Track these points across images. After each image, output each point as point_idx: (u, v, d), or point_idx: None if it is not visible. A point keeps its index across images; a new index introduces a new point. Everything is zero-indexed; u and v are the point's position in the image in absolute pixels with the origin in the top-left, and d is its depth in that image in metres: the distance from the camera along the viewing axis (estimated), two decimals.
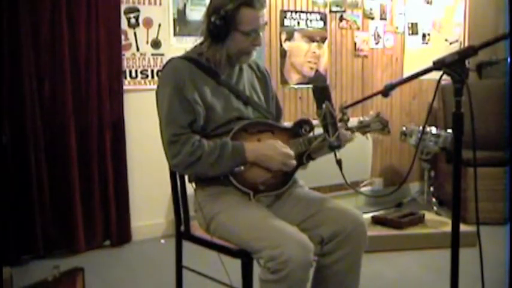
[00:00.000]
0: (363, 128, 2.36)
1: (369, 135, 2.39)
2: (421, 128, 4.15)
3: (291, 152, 2.14)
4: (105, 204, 3.94)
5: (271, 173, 2.16)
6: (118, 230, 4.02)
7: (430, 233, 3.91)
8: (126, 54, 3.98)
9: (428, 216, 4.22)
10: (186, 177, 2.28)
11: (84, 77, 3.77)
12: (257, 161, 2.12)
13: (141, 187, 4.12)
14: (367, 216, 4.04)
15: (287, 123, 2.35)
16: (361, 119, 2.38)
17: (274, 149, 2.12)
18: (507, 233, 3.96)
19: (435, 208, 4.67)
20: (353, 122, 2.30)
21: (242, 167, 2.11)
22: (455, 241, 1.70)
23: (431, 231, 3.93)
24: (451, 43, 5.64)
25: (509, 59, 5.05)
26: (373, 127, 2.37)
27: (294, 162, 2.15)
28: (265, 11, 2.18)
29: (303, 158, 2.23)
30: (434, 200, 4.77)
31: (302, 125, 2.26)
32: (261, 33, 2.18)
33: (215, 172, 2.10)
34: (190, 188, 2.26)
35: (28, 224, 3.63)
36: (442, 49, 5.41)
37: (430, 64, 1.70)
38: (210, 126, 2.17)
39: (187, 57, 2.23)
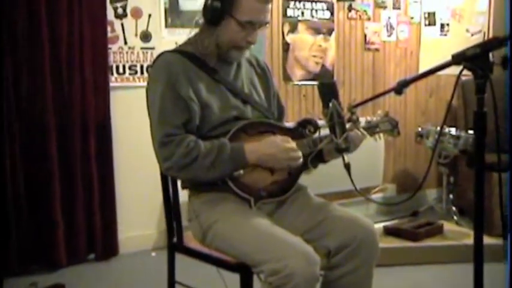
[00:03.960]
0: (371, 128, 2.38)
1: (381, 135, 2.41)
2: (438, 128, 4.16)
3: (294, 145, 2.15)
4: (89, 213, 3.94)
5: (274, 177, 2.18)
6: (103, 242, 4.02)
7: (450, 246, 3.91)
8: (113, 47, 3.98)
9: (448, 226, 4.22)
10: (179, 183, 2.29)
11: (66, 73, 3.77)
12: (259, 162, 2.13)
13: (129, 194, 4.12)
14: (379, 226, 4.04)
15: (290, 124, 2.36)
16: (369, 119, 2.40)
17: (277, 146, 2.12)
18: None
19: (455, 218, 4.66)
20: (362, 122, 2.32)
21: (241, 171, 2.12)
22: (478, 255, 1.69)
23: (451, 243, 3.93)
24: (472, 34, 5.64)
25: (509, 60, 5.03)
26: (382, 128, 2.40)
27: (300, 155, 2.15)
28: (270, 7, 2.18)
29: (308, 161, 2.24)
30: (454, 208, 4.76)
31: (306, 125, 2.27)
32: (257, 31, 2.19)
33: (212, 176, 2.10)
34: (184, 194, 2.27)
35: (0, 236, 3.60)
36: (462, 41, 5.39)
37: (449, 58, 1.71)
38: (206, 127, 2.18)
39: (180, 51, 2.24)
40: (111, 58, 3.98)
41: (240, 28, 2.16)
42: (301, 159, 2.16)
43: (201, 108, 2.16)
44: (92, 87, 3.87)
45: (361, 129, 2.26)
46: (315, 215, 2.20)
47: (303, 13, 4.70)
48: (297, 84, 4.73)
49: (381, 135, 2.41)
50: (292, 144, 2.15)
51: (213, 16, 2.16)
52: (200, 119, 2.16)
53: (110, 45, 3.96)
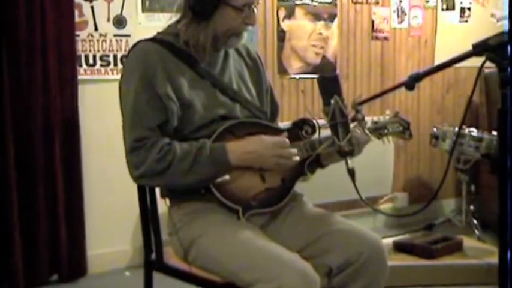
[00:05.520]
0: (378, 130, 2.39)
1: (386, 139, 2.42)
2: (457, 129, 4.18)
3: (285, 140, 2.17)
4: (52, 227, 3.91)
5: (265, 185, 2.19)
6: (69, 261, 4.00)
7: (470, 265, 3.91)
8: (81, 34, 3.97)
9: (468, 242, 4.22)
10: (158, 191, 2.30)
11: (25, 63, 3.75)
12: (244, 162, 2.15)
13: (100, 204, 4.11)
14: (388, 241, 4.04)
15: (285, 124, 2.38)
16: (376, 119, 2.42)
17: (261, 142, 2.16)
18: None
19: (477, 232, 4.67)
20: (368, 122, 2.34)
21: (227, 176, 2.13)
22: (503, 276, 1.70)
23: (472, 262, 3.93)
24: (498, 20, 5.63)
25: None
26: (391, 129, 2.41)
27: (293, 150, 2.17)
28: None
29: (304, 166, 2.26)
30: (475, 221, 4.77)
31: (302, 125, 2.29)
32: (255, 10, 2.22)
33: (191, 181, 2.12)
34: (163, 205, 2.27)
35: None
36: (485, 28, 5.36)
37: (469, 47, 1.72)
38: (188, 128, 2.20)
39: (159, 40, 2.25)
40: (78, 46, 3.96)
41: (237, 13, 2.19)
42: (295, 158, 2.17)
43: (181, 107, 2.18)
44: (56, 81, 3.85)
45: (366, 131, 2.28)
46: (314, 228, 2.21)
47: None
48: (294, 78, 4.74)
49: (390, 137, 2.43)
50: (284, 139, 2.17)
51: (206, 9, 2.17)
52: (181, 120, 2.18)
53: (77, 32, 3.94)
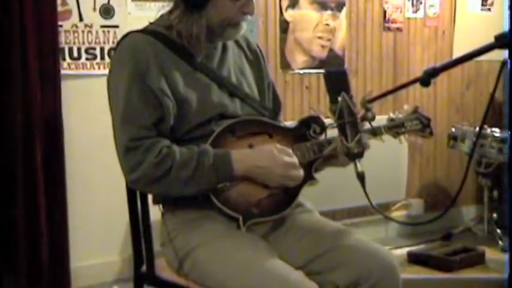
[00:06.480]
0: (395, 128, 2.39)
1: (403, 138, 2.41)
2: (477, 129, 4.17)
3: (295, 160, 2.17)
4: (32, 236, 3.89)
5: (268, 190, 2.19)
6: (51, 274, 3.98)
7: (493, 279, 3.90)
8: (64, 25, 3.96)
9: (491, 253, 4.22)
10: (149, 197, 2.29)
11: (3, 58, 3.75)
12: (249, 174, 2.15)
13: (85, 211, 4.10)
14: (402, 251, 4.03)
15: (290, 123, 2.38)
16: (393, 115, 2.41)
17: (273, 159, 2.14)
18: None
19: (500, 242, 4.66)
20: (381, 121, 2.34)
21: (228, 183, 2.13)
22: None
23: (495, 276, 3.93)
24: None
25: (508, 61, 5.08)
26: (409, 127, 2.41)
27: (301, 173, 2.18)
28: None
29: (311, 170, 2.26)
30: (498, 231, 4.77)
31: (310, 124, 2.30)
32: None
33: (190, 191, 2.12)
34: (156, 212, 2.27)
35: None
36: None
37: (491, 39, 1.70)
38: (183, 128, 2.20)
39: (151, 31, 2.25)
40: (62, 38, 3.96)
41: (232, 2, 2.20)
42: (301, 177, 2.18)
43: (176, 104, 2.18)
44: (37, 77, 3.84)
45: (381, 129, 2.29)
46: (321, 240, 2.19)
47: None
48: (298, 73, 4.75)
49: (403, 137, 2.42)
50: (294, 158, 2.17)
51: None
52: (175, 118, 2.18)
53: (60, 22, 3.93)
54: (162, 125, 2.15)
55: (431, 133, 2.43)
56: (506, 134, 4.05)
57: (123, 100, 2.13)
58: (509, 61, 1.64)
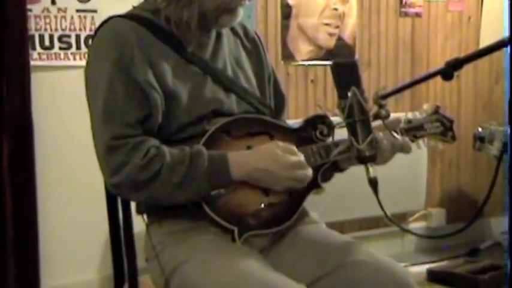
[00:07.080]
0: (413, 130, 2.37)
1: (421, 142, 2.41)
2: (508, 129, 4.12)
3: (302, 158, 2.13)
4: None
5: (268, 199, 2.15)
6: None
7: None
8: (34, 9, 3.92)
9: None
10: (133, 205, 2.26)
11: None
12: (249, 179, 2.11)
13: (58, 222, 4.06)
14: (421, 269, 4.03)
15: (293, 122, 2.35)
16: (411, 116, 2.39)
17: (276, 159, 2.10)
18: None
19: None
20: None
21: (223, 190, 2.09)
22: None
23: None
24: None
25: (508, 61, 5.12)
26: (429, 129, 2.40)
27: (310, 172, 2.14)
28: None
29: (318, 176, 2.22)
30: None
31: (317, 124, 2.27)
32: None
33: (181, 199, 2.10)
34: (140, 222, 2.22)
35: None
36: None
37: None
38: (172, 126, 2.18)
39: (136, 16, 2.23)
40: (31, 24, 3.91)
41: None
42: (310, 176, 2.15)
43: (165, 99, 2.15)
44: (2, 68, 3.82)
45: (395, 133, 2.25)
46: (327, 257, 2.15)
47: None
48: (302, 65, 4.73)
49: (421, 141, 2.41)
50: (300, 156, 2.14)
51: None
52: (164, 115, 2.15)
53: (29, 6, 3.89)
54: (149, 123, 2.12)
55: (453, 137, 2.45)
56: None
57: (104, 94, 2.10)
58: (509, 61, 1.61)
